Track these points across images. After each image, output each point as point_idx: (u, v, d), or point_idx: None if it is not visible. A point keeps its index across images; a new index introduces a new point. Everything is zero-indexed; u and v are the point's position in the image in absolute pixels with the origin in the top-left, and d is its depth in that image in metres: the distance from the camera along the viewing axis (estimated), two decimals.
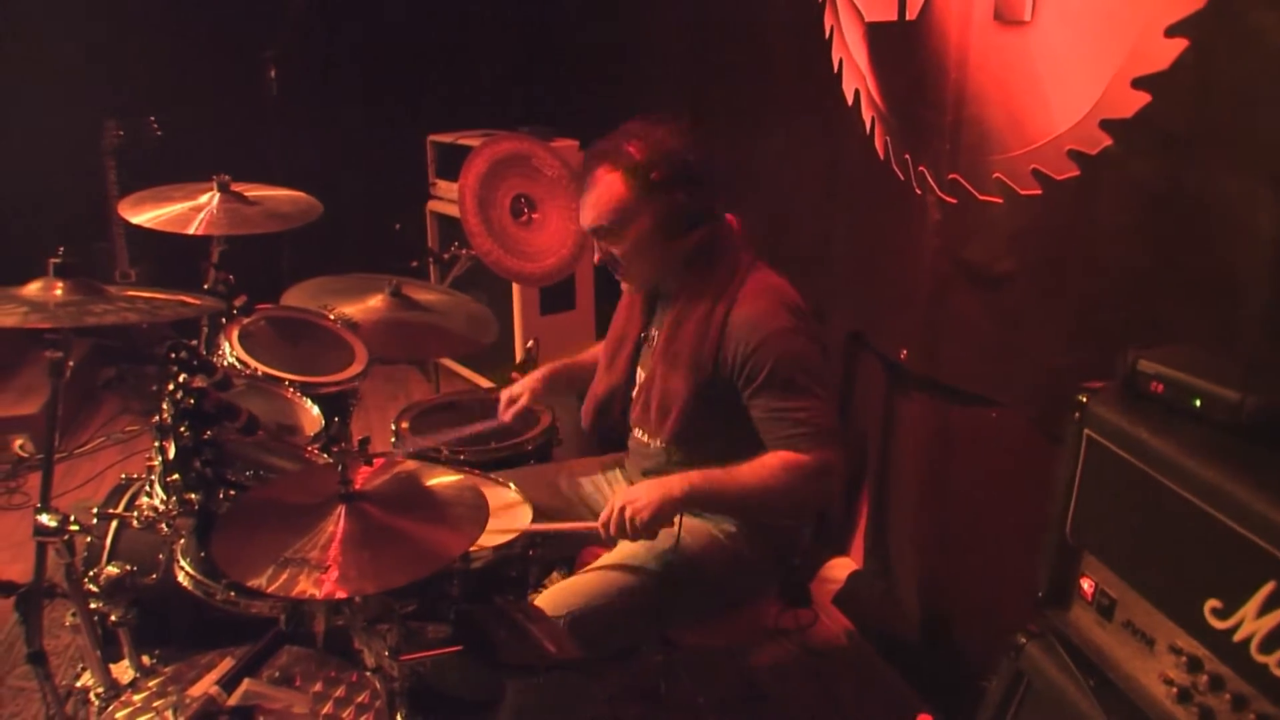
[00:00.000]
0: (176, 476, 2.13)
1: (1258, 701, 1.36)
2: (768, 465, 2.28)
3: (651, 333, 2.59)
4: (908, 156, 2.91)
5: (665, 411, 2.44)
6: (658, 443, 2.50)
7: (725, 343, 2.34)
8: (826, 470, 2.30)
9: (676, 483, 2.27)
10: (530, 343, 3.46)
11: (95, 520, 2.31)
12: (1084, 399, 1.65)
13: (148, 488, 2.33)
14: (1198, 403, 1.53)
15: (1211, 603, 1.39)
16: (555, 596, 2.32)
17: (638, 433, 2.62)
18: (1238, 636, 1.36)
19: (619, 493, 2.28)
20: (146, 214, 2.84)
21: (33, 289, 2.04)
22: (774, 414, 2.31)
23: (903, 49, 2.89)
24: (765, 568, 2.54)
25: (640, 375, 2.61)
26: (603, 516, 2.29)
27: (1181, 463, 1.45)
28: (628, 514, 2.23)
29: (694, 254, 2.40)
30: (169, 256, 4.38)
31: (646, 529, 2.24)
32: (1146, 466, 1.51)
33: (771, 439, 2.32)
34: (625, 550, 2.44)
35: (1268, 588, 1.31)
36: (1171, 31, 1.98)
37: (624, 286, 2.59)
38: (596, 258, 2.48)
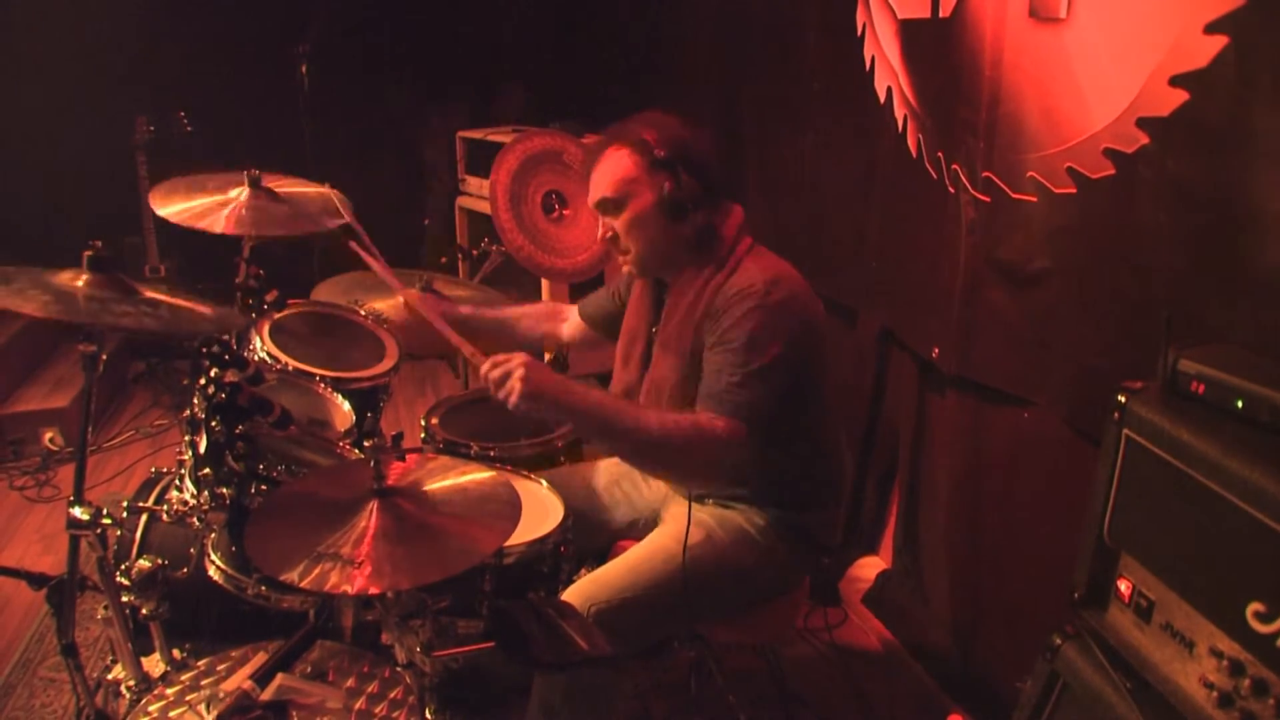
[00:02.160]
0: (208, 471, 2.14)
1: None
2: (680, 422, 2.22)
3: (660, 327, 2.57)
4: (941, 155, 2.90)
5: (657, 399, 2.43)
6: None
7: (711, 310, 2.31)
8: (731, 445, 2.21)
9: (572, 396, 2.18)
10: None
11: (125, 514, 2.32)
12: (1124, 399, 1.63)
13: (177, 482, 2.34)
14: (1240, 403, 1.52)
15: (1254, 606, 1.38)
16: (583, 589, 2.31)
17: None
18: None
19: (521, 355, 2.16)
20: (174, 206, 2.84)
21: (63, 277, 2.00)
22: (715, 370, 2.25)
23: (936, 46, 2.88)
24: (795, 561, 2.53)
25: None
26: (490, 363, 2.17)
27: (1223, 464, 1.43)
28: (512, 382, 2.12)
29: (694, 240, 2.39)
30: (200, 251, 4.40)
31: (516, 400, 2.12)
32: (1187, 467, 1.49)
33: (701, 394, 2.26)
34: (654, 543, 2.44)
35: None
36: (1211, 28, 1.95)
37: (624, 266, 2.55)
38: (600, 233, 2.47)
